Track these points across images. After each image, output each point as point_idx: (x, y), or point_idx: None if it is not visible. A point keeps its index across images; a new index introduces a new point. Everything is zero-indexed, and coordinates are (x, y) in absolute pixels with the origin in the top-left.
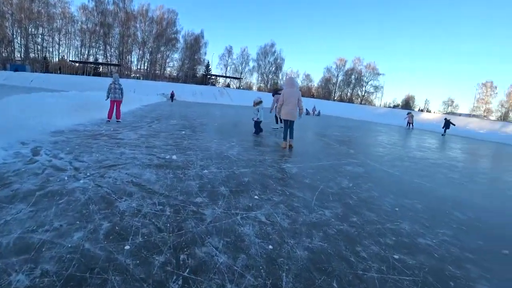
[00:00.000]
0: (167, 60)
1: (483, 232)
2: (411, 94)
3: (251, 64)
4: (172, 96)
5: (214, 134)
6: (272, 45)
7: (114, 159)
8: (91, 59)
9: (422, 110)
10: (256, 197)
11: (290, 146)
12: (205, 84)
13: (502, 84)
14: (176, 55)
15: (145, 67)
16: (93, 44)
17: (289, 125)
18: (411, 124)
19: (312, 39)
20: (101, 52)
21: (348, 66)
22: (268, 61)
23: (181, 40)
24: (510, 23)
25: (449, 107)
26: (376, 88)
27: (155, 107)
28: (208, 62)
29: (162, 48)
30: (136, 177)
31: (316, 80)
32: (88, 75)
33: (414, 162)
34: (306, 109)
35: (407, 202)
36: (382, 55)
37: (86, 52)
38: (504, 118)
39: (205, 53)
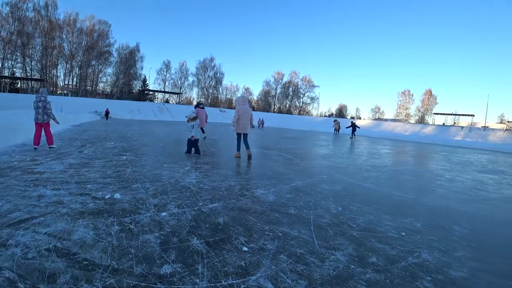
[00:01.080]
0: (100, 75)
1: (499, 248)
2: (344, 103)
3: (191, 78)
4: (107, 114)
5: (162, 157)
6: (212, 60)
7: (27, 208)
8: (6, 73)
9: (353, 118)
10: (245, 248)
11: (249, 156)
12: (143, 100)
13: (418, 91)
14: (109, 70)
15: (74, 83)
16: (8, 56)
17: (243, 137)
18: (337, 131)
19: (251, 53)
20: (19, 65)
21: (285, 79)
22: (208, 76)
23: (115, 53)
24: (425, 33)
25: (377, 114)
26: (312, 99)
27: (87, 127)
28: (145, 77)
29: (93, 62)
30: (62, 239)
31: (255, 93)
32: (3, 92)
33: (379, 172)
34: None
35: (406, 222)
36: (317, 68)
37: (0, 64)
38: (421, 121)
39: (142, 68)
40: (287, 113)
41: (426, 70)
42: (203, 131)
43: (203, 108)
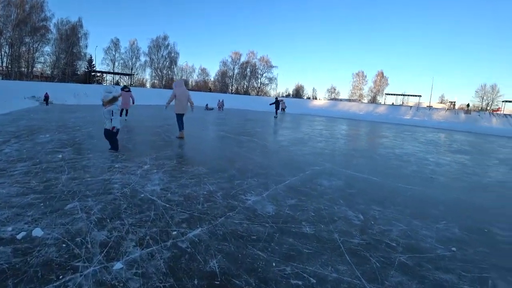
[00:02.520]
0: (36, 55)
1: None
2: (301, 83)
3: (143, 58)
4: (46, 98)
5: (113, 153)
6: (165, 38)
7: None
8: None
9: (309, 98)
10: None
11: (182, 137)
12: (90, 83)
13: (371, 73)
14: (47, 48)
15: (5, 64)
16: None
17: (181, 117)
18: (283, 110)
19: (207, 32)
20: None
21: (243, 59)
22: (162, 55)
23: (54, 29)
24: (379, 17)
25: (332, 94)
26: (270, 79)
27: (20, 116)
28: (91, 57)
29: (27, 39)
30: None
31: (212, 74)
32: None
33: (366, 158)
34: (207, 105)
35: (441, 228)
36: (275, 48)
37: None
38: (373, 101)
39: (86, 46)
40: (245, 94)
41: (378, 53)
42: (126, 113)
43: (129, 91)
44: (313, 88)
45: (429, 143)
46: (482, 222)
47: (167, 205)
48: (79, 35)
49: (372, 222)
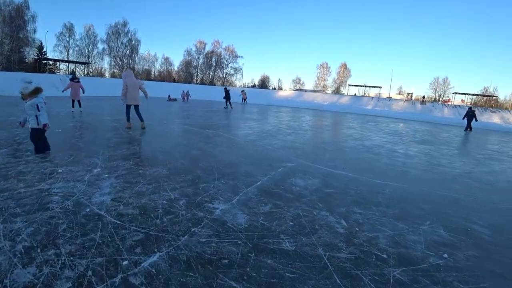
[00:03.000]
0: None
1: None
2: (266, 74)
3: (101, 46)
4: None
5: (57, 154)
6: (125, 24)
7: None
8: None
9: (275, 88)
10: None
11: (143, 128)
12: (41, 72)
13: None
14: None
15: None
16: None
17: (135, 109)
18: (245, 100)
19: (170, 19)
20: None
21: (208, 48)
22: (121, 43)
23: None
24: (342, 10)
25: (298, 85)
26: (236, 70)
27: None
28: (41, 43)
29: None
30: None
31: (176, 63)
32: None
33: (338, 151)
34: (169, 95)
35: (427, 230)
36: (240, 38)
37: None
38: (336, 91)
39: (35, 31)
40: (210, 85)
41: (341, 45)
42: (80, 105)
43: (78, 81)
44: (279, 79)
45: (394, 133)
46: (463, 219)
47: (118, 222)
48: (26, 18)
49: (357, 229)
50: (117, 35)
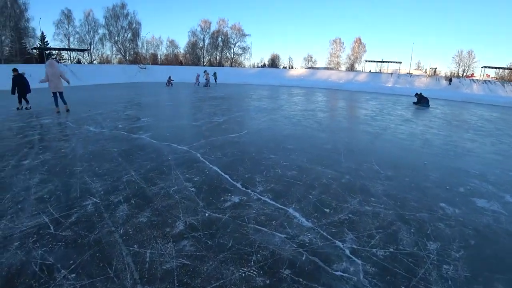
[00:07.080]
0: None
1: None
2: (276, 53)
3: (102, 31)
4: None
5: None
6: (123, 6)
7: None
8: None
9: (285, 67)
10: None
11: (67, 110)
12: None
13: (348, 39)
14: None
15: None
16: None
17: (59, 95)
18: (208, 81)
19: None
20: None
21: (213, 28)
22: (122, 26)
23: None
24: None
25: (309, 63)
26: (244, 49)
27: None
28: (43, 33)
29: None
30: None
31: (182, 46)
32: None
33: (389, 142)
34: (169, 77)
35: None
36: (247, 15)
37: None
38: (351, 68)
39: (28, 20)
40: (218, 66)
41: (355, 19)
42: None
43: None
44: (289, 57)
45: (480, 130)
46: None
47: None
48: (22, 8)
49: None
50: (116, 18)
